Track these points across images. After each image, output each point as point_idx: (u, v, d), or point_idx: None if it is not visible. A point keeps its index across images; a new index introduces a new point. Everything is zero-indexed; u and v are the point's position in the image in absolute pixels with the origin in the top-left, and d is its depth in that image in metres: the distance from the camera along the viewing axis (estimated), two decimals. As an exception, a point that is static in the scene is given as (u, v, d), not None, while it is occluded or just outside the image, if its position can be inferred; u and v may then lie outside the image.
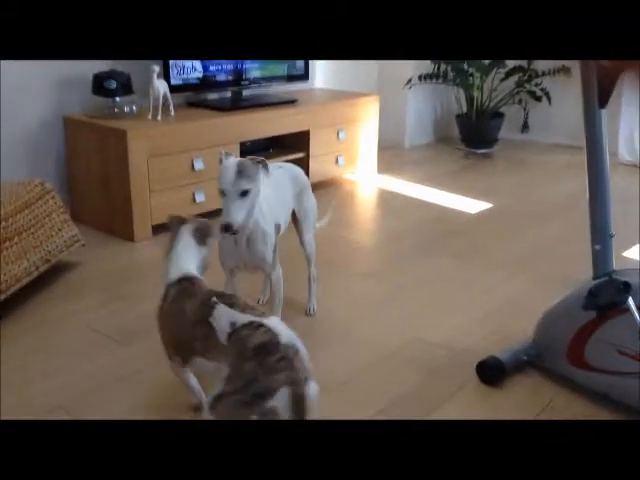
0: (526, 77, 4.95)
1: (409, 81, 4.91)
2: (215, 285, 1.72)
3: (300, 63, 4.15)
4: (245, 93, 3.92)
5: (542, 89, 4.94)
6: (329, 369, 2.09)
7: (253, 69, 3.88)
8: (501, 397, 1.97)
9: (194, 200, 3.33)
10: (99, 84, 3.26)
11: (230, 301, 1.58)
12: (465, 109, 5.07)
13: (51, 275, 2.74)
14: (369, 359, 2.18)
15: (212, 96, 3.93)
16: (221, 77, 3.76)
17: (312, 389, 1.42)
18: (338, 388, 2.01)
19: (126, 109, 3.32)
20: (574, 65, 4.65)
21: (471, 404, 1.94)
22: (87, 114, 3.31)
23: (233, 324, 1.51)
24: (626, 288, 1.85)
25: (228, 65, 3.76)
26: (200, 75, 3.64)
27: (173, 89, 3.45)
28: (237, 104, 3.77)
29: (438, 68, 4.97)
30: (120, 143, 3.06)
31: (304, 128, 3.89)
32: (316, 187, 2.74)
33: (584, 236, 2.06)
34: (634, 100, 4.60)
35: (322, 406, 1.77)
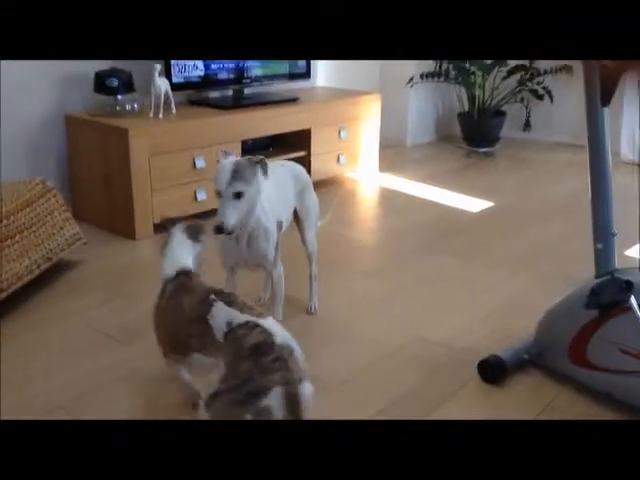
0: (528, 75, 4.94)
1: (411, 79, 4.91)
2: (215, 283, 1.72)
3: (302, 61, 4.15)
4: (247, 91, 3.91)
5: (544, 87, 4.93)
6: (330, 367, 2.09)
7: (255, 67, 3.88)
8: (502, 396, 1.97)
9: (195, 198, 3.33)
10: (101, 82, 3.25)
11: (228, 299, 1.59)
12: (467, 107, 5.07)
13: (52, 273, 2.74)
14: (370, 358, 2.17)
15: (214, 94, 3.93)
16: (223, 75, 3.76)
17: (307, 389, 1.43)
18: (339, 387, 2.00)
19: (128, 107, 3.32)
20: (576, 64, 4.64)
21: (472, 403, 1.94)
22: (89, 112, 3.30)
23: (230, 323, 1.51)
24: (628, 287, 1.85)
25: (230, 63, 3.76)
26: (202, 73, 3.63)
27: (175, 87, 3.44)
28: (239, 102, 3.77)
29: (440, 66, 4.96)
30: (122, 141, 3.06)
31: (306, 126, 3.88)
32: (317, 186, 2.74)
33: (586, 235, 2.06)
34: (636, 99, 4.59)
35: (323, 405, 1.77)
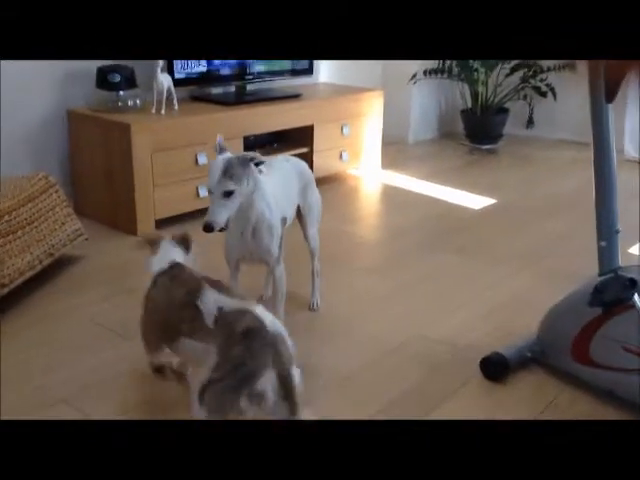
0: (531, 73, 4.93)
1: (414, 76, 4.90)
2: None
3: (304, 57, 4.15)
4: (249, 87, 3.90)
5: (547, 85, 4.91)
6: (332, 364, 2.09)
7: (257, 64, 3.87)
8: (505, 393, 1.97)
9: (197, 194, 3.33)
10: (103, 78, 3.25)
11: (218, 286, 1.63)
12: (470, 104, 5.06)
13: (54, 269, 2.73)
14: (372, 355, 2.17)
15: (216, 90, 3.92)
16: (225, 71, 3.75)
17: (297, 374, 1.46)
18: (341, 383, 2.00)
19: (130, 103, 3.31)
20: (579, 61, 4.63)
21: (474, 400, 1.94)
22: (91, 108, 3.30)
23: (220, 308, 1.55)
24: (632, 285, 1.85)
25: (232, 60, 3.75)
26: (204, 69, 3.63)
27: (177, 83, 3.44)
28: (241, 98, 3.76)
29: (443, 63, 4.95)
30: (124, 137, 3.06)
31: (308, 123, 3.88)
32: (320, 182, 2.74)
33: (589, 232, 2.05)
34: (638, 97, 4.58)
35: (325, 401, 1.77)
